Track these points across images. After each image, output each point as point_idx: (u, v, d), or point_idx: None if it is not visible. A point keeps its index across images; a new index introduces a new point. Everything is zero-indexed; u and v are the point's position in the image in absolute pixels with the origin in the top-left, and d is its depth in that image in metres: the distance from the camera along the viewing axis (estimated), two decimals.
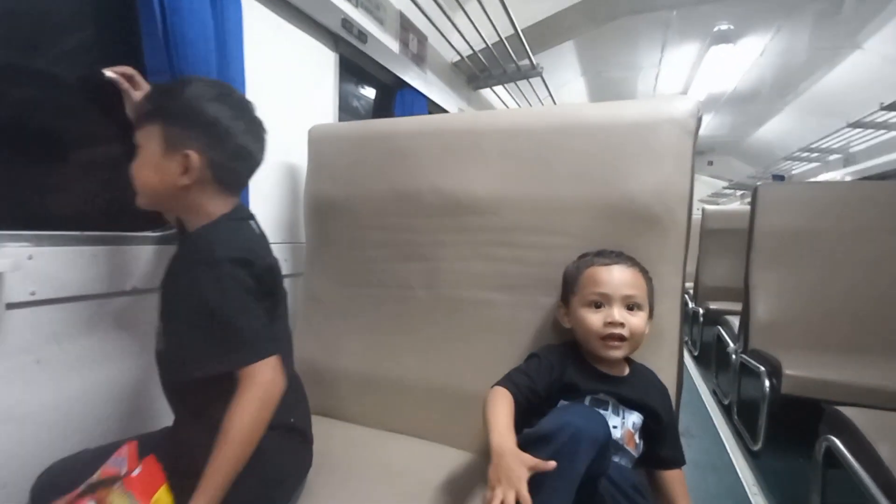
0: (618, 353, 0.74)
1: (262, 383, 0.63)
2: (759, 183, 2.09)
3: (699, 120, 0.84)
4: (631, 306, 0.76)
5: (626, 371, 0.80)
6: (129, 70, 0.77)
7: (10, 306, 0.69)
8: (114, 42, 0.92)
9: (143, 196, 0.71)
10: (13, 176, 0.82)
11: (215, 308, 0.63)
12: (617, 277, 0.77)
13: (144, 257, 0.90)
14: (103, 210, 0.94)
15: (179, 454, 0.68)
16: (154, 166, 0.68)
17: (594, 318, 0.76)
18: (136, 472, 0.63)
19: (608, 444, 0.61)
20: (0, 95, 0.79)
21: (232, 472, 0.60)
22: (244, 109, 0.73)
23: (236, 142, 0.71)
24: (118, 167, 0.97)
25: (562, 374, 0.76)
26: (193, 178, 0.68)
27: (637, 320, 0.75)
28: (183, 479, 0.66)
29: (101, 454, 0.75)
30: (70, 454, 0.75)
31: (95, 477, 0.63)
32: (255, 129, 0.75)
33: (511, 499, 0.53)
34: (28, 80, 0.82)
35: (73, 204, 0.91)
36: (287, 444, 0.74)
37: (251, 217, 0.76)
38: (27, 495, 0.72)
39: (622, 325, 0.74)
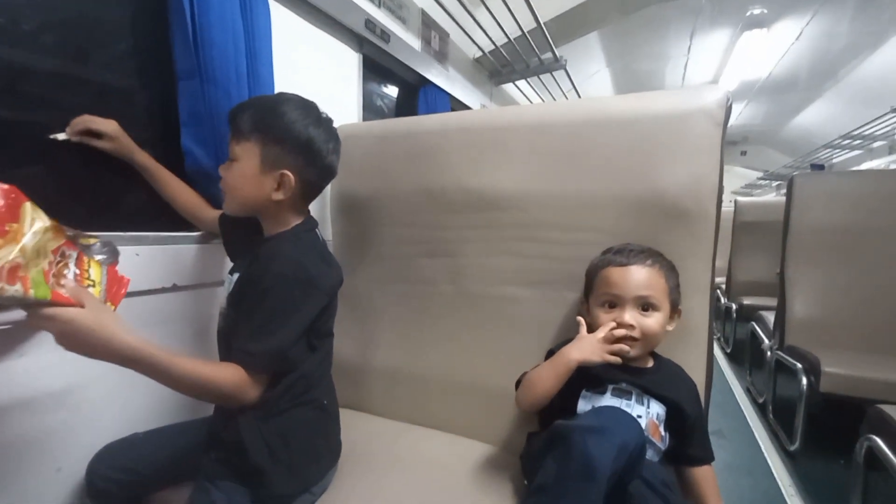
0: (630, 353, 0.74)
1: (243, 386, 0.66)
2: (795, 173, 2.00)
3: (729, 110, 0.82)
4: (645, 307, 0.76)
5: (651, 364, 0.80)
6: (78, 125, 0.80)
7: None
8: (146, 46, 0.96)
9: (233, 202, 0.76)
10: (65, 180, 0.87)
11: (266, 310, 0.67)
12: (630, 278, 0.76)
13: (183, 256, 0.95)
14: (139, 210, 0.97)
15: (221, 439, 0.71)
16: (249, 179, 0.72)
17: (605, 318, 0.76)
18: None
19: (642, 451, 0.61)
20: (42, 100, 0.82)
21: (165, 378, 0.61)
22: (332, 130, 0.78)
23: (325, 162, 0.76)
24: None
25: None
26: (287, 195, 0.73)
27: (650, 321, 0.75)
28: (224, 464, 0.70)
29: (151, 437, 0.81)
30: (120, 438, 0.80)
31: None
32: (338, 147, 0.79)
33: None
34: (65, 85, 0.85)
35: (114, 205, 0.96)
36: (320, 426, 0.78)
37: (316, 225, 0.82)
38: (82, 477, 0.77)
39: (632, 326, 0.74)
